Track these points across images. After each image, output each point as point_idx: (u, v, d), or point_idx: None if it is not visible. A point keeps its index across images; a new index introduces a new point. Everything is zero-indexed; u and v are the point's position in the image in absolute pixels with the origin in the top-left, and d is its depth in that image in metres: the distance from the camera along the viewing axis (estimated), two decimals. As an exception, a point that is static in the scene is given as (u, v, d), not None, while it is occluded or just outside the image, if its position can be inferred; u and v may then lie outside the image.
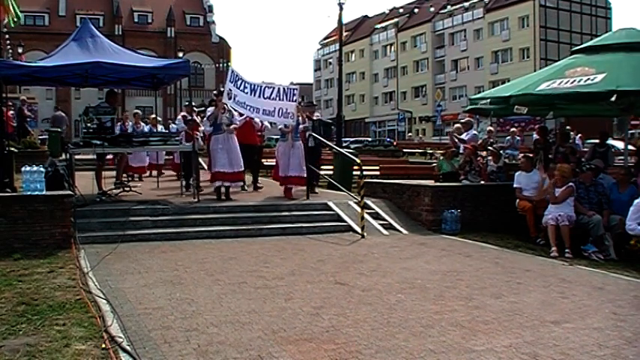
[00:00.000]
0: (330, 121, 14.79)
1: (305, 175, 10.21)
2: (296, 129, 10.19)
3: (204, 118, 10.69)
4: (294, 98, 9.95)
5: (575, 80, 8.18)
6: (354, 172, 11.72)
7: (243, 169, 9.96)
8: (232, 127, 9.96)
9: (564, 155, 10.03)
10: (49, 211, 7.21)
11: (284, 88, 10.10)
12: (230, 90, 9.76)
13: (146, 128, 13.61)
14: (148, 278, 5.88)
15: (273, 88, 10.06)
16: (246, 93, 9.86)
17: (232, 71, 10.07)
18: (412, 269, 6.55)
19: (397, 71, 67.05)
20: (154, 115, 14.22)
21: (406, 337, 4.24)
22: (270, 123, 11.33)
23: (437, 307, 5.04)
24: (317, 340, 4.17)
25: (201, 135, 11.49)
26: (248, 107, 9.90)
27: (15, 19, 9.64)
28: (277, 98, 9.92)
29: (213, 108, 10.11)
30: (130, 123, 13.75)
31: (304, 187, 10.30)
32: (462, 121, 15.04)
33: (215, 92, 10.13)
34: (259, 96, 9.90)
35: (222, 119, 9.78)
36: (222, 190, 9.73)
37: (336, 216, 9.31)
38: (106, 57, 9.02)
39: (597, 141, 11.56)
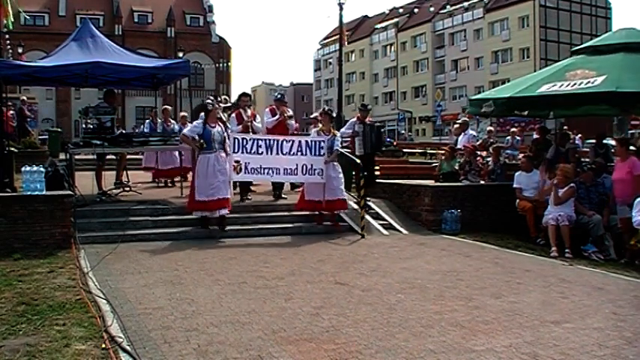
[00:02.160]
0: (381, 124, 13.25)
1: (344, 198, 8.98)
2: (332, 147, 8.83)
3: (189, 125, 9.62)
4: (322, 152, 8.69)
5: (575, 83, 8.19)
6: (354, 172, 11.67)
7: (230, 196, 8.30)
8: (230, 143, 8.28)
9: (564, 155, 10.02)
10: (49, 211, 7.21)
11: (307, 142, 8.79)
12: (237, 162, 8.33)
13: (176, 127, 12.39)
14: (148, 278, 5.88)
15: (293, 141, 8.76)
16: (261, 153, 8.50)
17: (235, 139, 8.46)
18: (412, 269, 6.55)
19: (397, 71, 67.04)
20: (184, 114, 13.31)
21: (406, 337, 4.24)
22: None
23: (437, 307, 5.04)
24: (317, 340, 4.17)
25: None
26: (266, 171, 8.57)
27: (13, 20, 9.63)
28: (300, 153, 8.65)
29: (201, 122, 8.34)
30: (160, 121, 12.81)
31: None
32: (459, 121, 15.05)
33: (210, 100, 8.46)
34: (277, 152, 8.60)
35: (215, 135, 8.10)
36: (206, 217, 8.22)
37: (336, 216, 9.31)
38: (106, 57, 9.02)
39: (595, 141, 11.53)
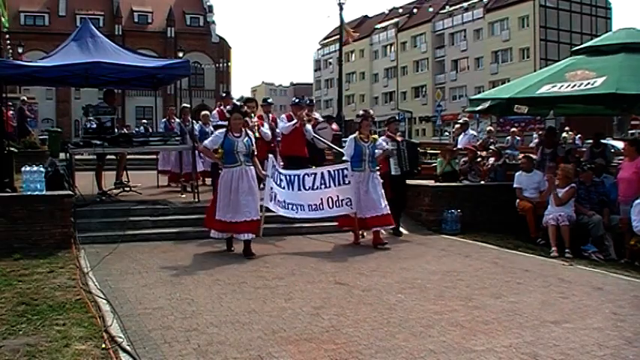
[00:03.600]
0: (417, 142, 11.92)
1: (388, 212, 8.01)
2: (372, 154, 8.04)
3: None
4: (347, 180, 7.82)
5: (575, 84, 8.19)
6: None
7: (258, 217, 7.24)
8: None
9: (564, 155, 10.01)
10: (49, 211, 7.21)
11: (330, 172, 7.93)
12: (271, 189, 7.55)
13: (196, 127, 11.46)
14: (148, 278, 5.89)
15: (315, 174, 7.96)
16: (283, 188, 7.76)
17: (273, 165, 7.72)
18: (412, 269, 6.55)
19: (397, 71, 67.02)
20: (205, 112, 12.43)
21: (406, 337, 4.24)
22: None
23: (437, 307, 5.04)
24: (317, 340, 4.17)
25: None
26: (290, 206, 7.76)
27: (8, 20, 9.65)
28: (323, 186, 7.86)
29: (223, 130, 7.33)
30: (177, 120, 12.09)
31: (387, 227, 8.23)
32: (460, 121, 15.07)
33: (233, 103, 7.76)
34: (299, 188, 7.84)
35: (239, 146, 7.08)
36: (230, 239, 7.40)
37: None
38: (106, 57, 9.01)
39: (592, 141, 11.45)
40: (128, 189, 10.26)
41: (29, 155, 12.95)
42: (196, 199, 9.47)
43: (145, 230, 8.12)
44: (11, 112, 16.33)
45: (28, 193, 7.24)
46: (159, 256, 6.96)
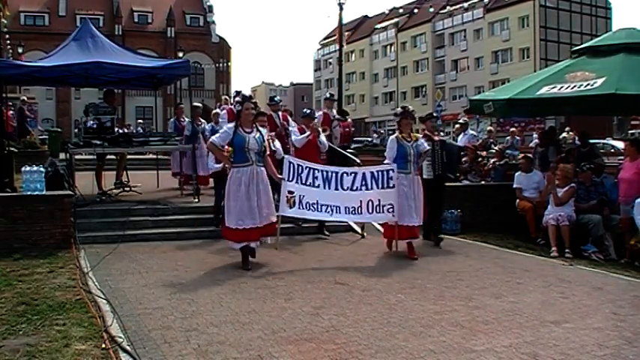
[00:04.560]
0: (460, 145, 11.11)
1: (420, 224, 7.41)
2: (417, 155, 7.32)
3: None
4: (392, 183, 7.09)
5: (575, 85, 8.19)
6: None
7: (275, 218, 6.75)
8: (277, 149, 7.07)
9: (565, 155, 10.01)
10: (49, 211, 7.22)
11: (373, 173, 7.21)
12: (290, 193, 6.99)
13: (207, 127, 10.97)
14: (148, 278, 5.89)
15: (355, 174, 7.27)
16: (317, 186, 7.12)
17: (290, 164, 7.10)
18: (412, 269, 6.55)
19: (397, 71, 67.02)
20: (216, 111, 11.99)
21: (406, 337, 4.25)
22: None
23: (437, 307, 5.04)
24: (317, 340, 4.17)
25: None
26: (324, 208, 7.11)
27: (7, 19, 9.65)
28: (364, 187, 7.17)
29: (232, 125, 6.58)
30: (187, 119, 11.57)
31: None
32: (460, 121, 15.08)
33: (240, 97, 6.83)
34: (337, 187, 7.17)
35: (250, 143, 6.37)
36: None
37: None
38: (106, 57, 9.02)
39: (579, 141, 11.33)
40: (128, 189, 10.27)
41: (29, 155, 12.95)
42: (196, 199, 9.48)
43: (145, 230, 8.13)
44: (11, 112, 16.32)
45: (28, 193, 7.25)
46: (159, 256, 6.96)
